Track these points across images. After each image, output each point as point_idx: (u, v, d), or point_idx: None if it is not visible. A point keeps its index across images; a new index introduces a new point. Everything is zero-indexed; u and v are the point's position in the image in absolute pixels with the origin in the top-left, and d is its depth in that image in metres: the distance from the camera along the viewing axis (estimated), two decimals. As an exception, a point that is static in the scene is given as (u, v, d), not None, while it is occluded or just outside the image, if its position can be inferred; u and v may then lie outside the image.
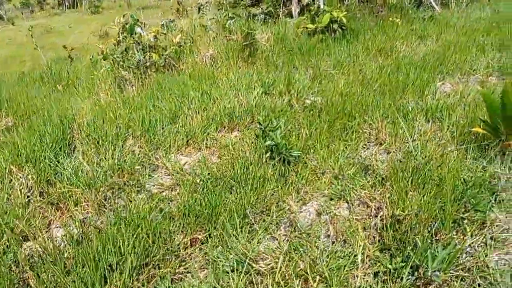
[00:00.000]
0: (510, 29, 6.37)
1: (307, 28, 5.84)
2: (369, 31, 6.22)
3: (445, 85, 4.31)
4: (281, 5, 9.09)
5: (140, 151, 3.06)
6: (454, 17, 7.82)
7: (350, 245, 2.09)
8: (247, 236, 2.17)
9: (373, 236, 2.14)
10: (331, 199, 2.50)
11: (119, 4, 32.24)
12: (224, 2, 14.97)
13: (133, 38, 4.99)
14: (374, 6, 6.99)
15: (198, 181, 2.63)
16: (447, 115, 3.40)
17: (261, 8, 10.37)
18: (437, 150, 2.75)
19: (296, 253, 2.04)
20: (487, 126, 2.80)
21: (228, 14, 5.54)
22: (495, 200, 2.29)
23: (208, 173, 2.69)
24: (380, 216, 2.17)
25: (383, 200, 2.28)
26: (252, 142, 2.98)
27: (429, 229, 2.08)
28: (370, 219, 2.25)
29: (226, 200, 2.41)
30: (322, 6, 6.51)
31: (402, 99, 3.85)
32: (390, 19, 6.74)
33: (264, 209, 2.40)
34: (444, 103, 3.60)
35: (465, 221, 2.13)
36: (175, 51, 5.03)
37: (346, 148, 3.04)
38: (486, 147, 2.81)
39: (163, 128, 3.28)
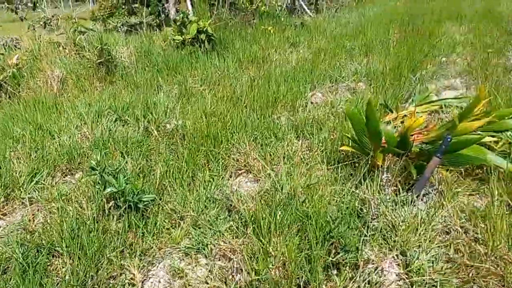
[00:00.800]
0: (373, 33, 6.64)
1: (175, 40, 5.36)
2: (241, 41, 5.97)
3: (316, 96, 4.18)
4: (161, 13, 8.45)
5: None
6: (325, 22, 8.02)
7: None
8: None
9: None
10: (187, 254, 2.05)
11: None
12: (98, 13, 13.80)
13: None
14: (245, 14, 6.79)
15: (11, 254, 1.98)
16: (317, 130, 3.20)
17: (141, 17, 9.60)
18: (306, 175, 2.48)
19: None
20: (355, 144, 2.61)
21: (79, 28, 4.81)
22: (367, 230, 2.06)
23: (28, 242, 2.06)
24: (239, 280, 1.77)
25: (242, 255, 1.90)
26: (92, 190, 2.40)
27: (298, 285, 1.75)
28: (232, 279, 1.85)
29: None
30: (191, 15, 6.08)
31: (273, 114, 3.59)
32: (263, 27, 6.59)
33: None
34: (314, 118, 3.41)
35: (336, 269, 1.85)
36: (13, 74, 4.17)
37: (212, 180, 2.64)
38: (357, 165, 2.62)
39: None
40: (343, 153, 2.80)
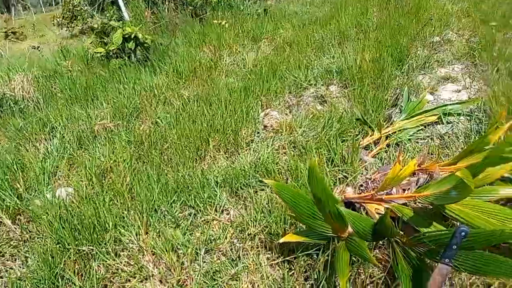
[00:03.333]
0: (349, 15, 5.51)
1: (96, 53, 4.26)
2: (186, 44, 4.86)
3: (270, 116, 3.10)
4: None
5: None
6: (293, 7, 6.87)
7: None
8: None
9: None
10: None
11: None
12: (60, 17, 12.61)
13: None
14: (194, 8, 5.64)
15: None
16: (266, 184, 2.15)
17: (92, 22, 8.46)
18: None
19: None
20: (301, 234, 1.56)
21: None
22: None
23: None
24: None
25: None
26: None
27: None
28: None
29: None
30: (126, 18, 4.96)
31: (203, 161, 2.52)
32: (216, 21, 5.47)
33: None
34: (259, 163, 2.35)
35: None
36: None
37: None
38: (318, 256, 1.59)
39: None
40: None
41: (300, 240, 1.51)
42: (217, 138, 2.68)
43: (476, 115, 2.65)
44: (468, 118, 2.69)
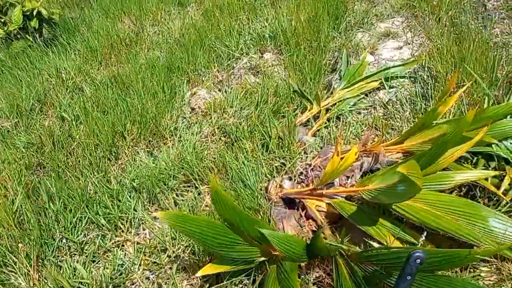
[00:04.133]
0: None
1: (-7, 37, 3.62)
2: (104, 16, 4.28)
3: (197, 96, 2.73)
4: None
5: None
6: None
7: None
8: None
9: None
10: None
11: None
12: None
13: None
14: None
15: None
16: (188, 190, 1.82)
17: None
18: None
19: None
20: (224, 263, 1.26)
21: None
22: None
23: None
24: None
25: None
26: None
27: None
28: None
29: None
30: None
31: (118, 160, 2.14)
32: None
33: None
34: (183, 159, 2.00)
35: None
36: None
37: None
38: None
39: None
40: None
41: (222, 271, 1.21)
42: (134, 130, 2.29)
43: (421, 76, 2.41)
44: (413, 79, 2.45)
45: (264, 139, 2.13)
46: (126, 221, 1.67)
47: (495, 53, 2.38)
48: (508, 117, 1.47)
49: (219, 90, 2.82)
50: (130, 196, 1.78)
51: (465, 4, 3.18)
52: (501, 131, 1.45)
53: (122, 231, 1.62)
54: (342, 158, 1.43)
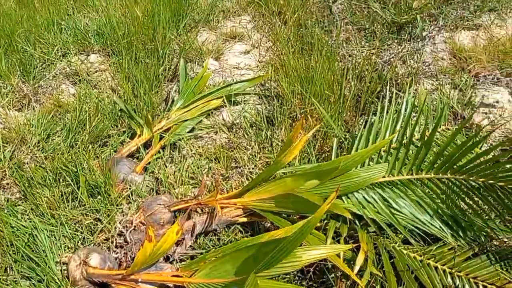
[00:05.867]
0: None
1: None
2: None
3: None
4: None
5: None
6: None
7: None
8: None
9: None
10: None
11: None
12: None
13: None
14: None
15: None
16: None
17: None
18: None
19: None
20: None
21: None
22: None
23: None
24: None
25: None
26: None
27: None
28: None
29: None
30: None
31: None
32: None
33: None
34: None
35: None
36: None
37: None
38: None
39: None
40: None
41: None
42: None
43: (267, 96, 2.13)
44: (259, 97, 2.17)
45: (72, 184, 1.60)
46: None
47: (342, 64, 2.25)
48: (359, 166, 1.25)
49: (23, 107, 2.15)
50: None
51: (311, 5, 3.03)
52: (350, 183, 1.21)
53: None
54: (159, 241, 1.02)
